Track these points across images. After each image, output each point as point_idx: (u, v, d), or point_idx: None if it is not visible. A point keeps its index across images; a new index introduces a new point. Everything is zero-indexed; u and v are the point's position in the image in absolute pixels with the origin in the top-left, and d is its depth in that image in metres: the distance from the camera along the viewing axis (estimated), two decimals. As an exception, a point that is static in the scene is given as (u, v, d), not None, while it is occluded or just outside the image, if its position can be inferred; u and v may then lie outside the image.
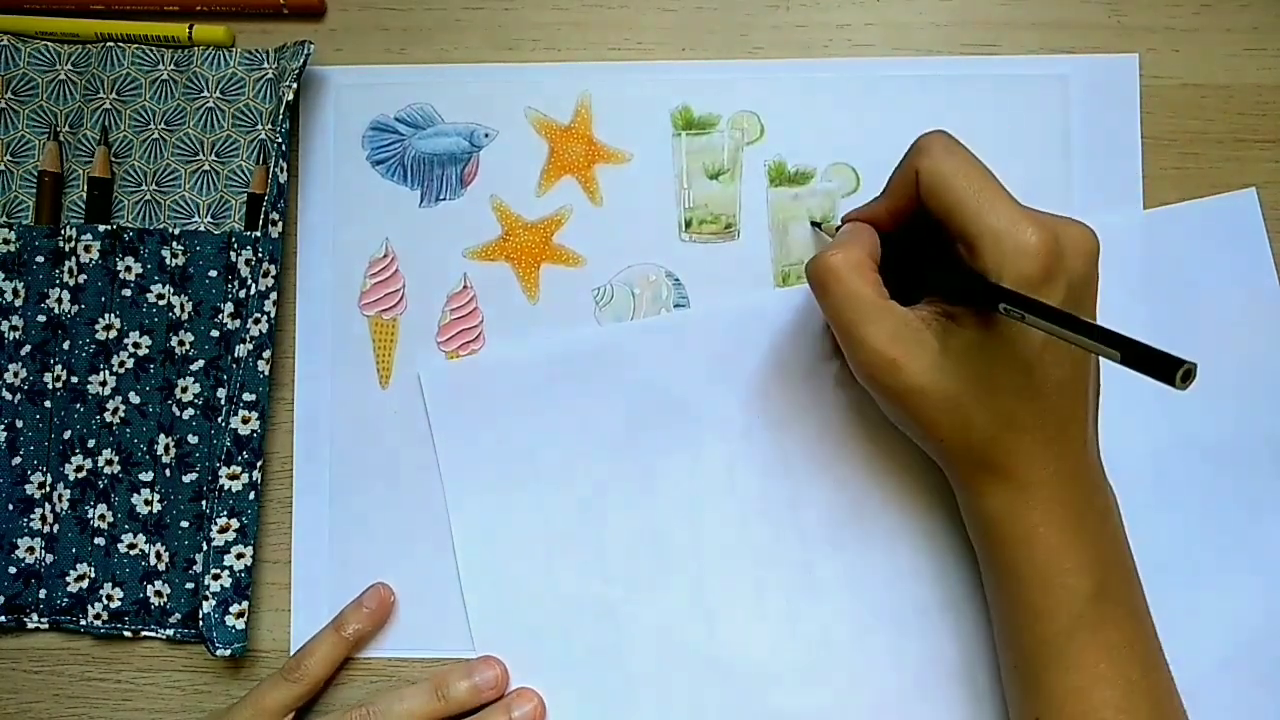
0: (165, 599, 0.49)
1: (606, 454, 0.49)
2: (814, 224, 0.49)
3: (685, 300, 0.49)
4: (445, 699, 0.47)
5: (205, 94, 0.49)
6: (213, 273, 0.49)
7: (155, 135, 0.49)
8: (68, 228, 0.49)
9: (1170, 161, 0.49)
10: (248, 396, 0.48)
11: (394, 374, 0.50)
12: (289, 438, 0.50)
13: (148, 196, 0.49)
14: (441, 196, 0.50)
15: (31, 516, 0.49)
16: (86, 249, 0.49)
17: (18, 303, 0.49)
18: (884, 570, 0.48)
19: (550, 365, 0.49)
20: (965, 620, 0.47)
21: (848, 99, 0.49)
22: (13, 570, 0.49)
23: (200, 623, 0.47)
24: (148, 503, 0.49)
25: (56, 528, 0.49)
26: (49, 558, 0.49)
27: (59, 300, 0.49)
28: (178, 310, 0.49)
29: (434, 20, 0.50)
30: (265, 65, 0.49)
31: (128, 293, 0.49)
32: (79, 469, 0.49)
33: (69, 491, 0.49)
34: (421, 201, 0.50)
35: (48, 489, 0.49)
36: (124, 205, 0.49)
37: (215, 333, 0.49)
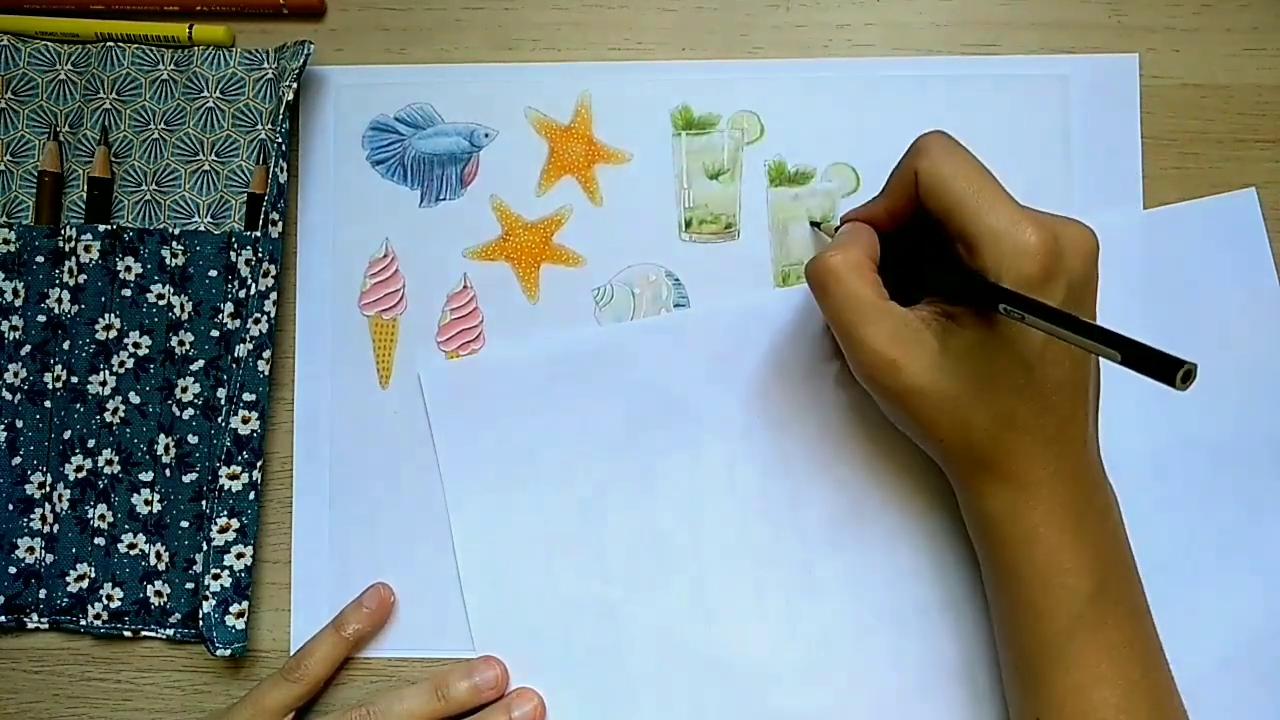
0: (165, 599, 0.49)
1: (606, 454, 0.49)
2: (813, 224, 0.49)
3: (685, 300, 0.49)
4: (445, 699, 0.47)
5: (205, 94, 0.49)
6: (213, 273, 0.49)
7: (155, 135, 0.49)
8: (68, 228, 0.49)
9: (1170, 161, 0.49)
10: (248, 396, 0.48)
11: (394, 374, 0.50)
12: (289, 438, 0.50)
13: (148, 196, 0.49)
14: (441, 196, 0.50)
15: (31, 516, 0.49)
16: (86, 249, 0.49)
17: (18, 303, 0.49)
18: (884, 570, 0.48)
19: (550, 365, 0.49)
20: (965, 620, 0.47)
21: (848, 99, 0.49)
22: (13, 570, 0.49)
23: (200, 623, 0.47)
24: (148, 503, 0.49)
25: (56, 528, 0.49)
26: (49, 558, 0.49)
27: (59, 300, 0.49)
28: (178, 310, 0.49)
29: (434, 20, 0.50)
30: (265, 65, 0.49)
31: (128, 293, 0.49)
32: (79, 469, 0.49)
33: (69, 491, 0.49)
34: (421, 201, 0.50)
35: (48, 489, 0.49)
36: (124, 205, 0.49)
37: (215, 333, 0.49)
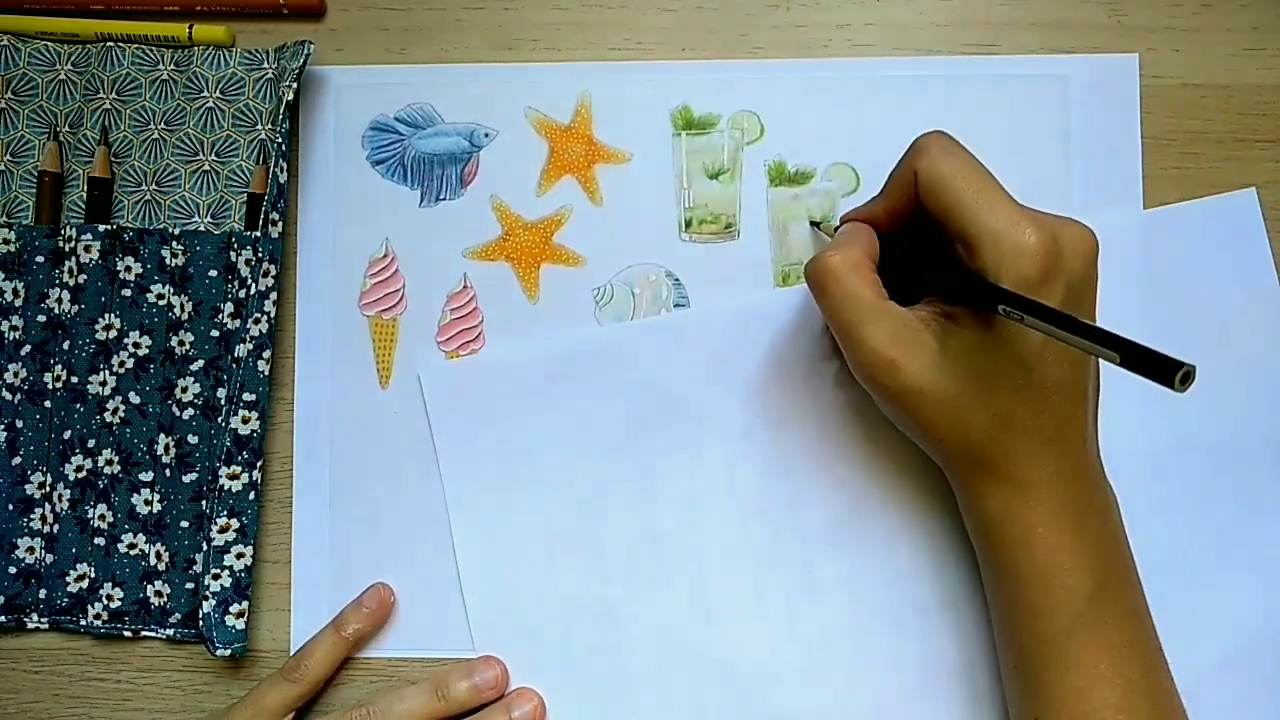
0: (165, 599, 0.49)
1: (606, 454, 0.49)
2: (813, 224, 0.49)
3: (685, 300, 0.49)
4: (445, 699, 0.47)
5: (205, 94, 0.49)
6: (213, 273, 0.49)
7: (155, 135, 0.49)
8: (68, 228, 0.49)
9: (1170, 161, 0.49)
10: (248, 396, 0.48)
11: (394, 374, 0.50)
12: (289, 438, 0.50)
13: (148, 196, 0.49)
14: (441, 196, 0.50)
15: (31, 516, 0.49)
16: (86, 249, 0.49)
17: (18, 303, 0.49)
18: (884, 570, 0.48)
19: (550, 365, 0.49)
20: (965, 620, 0.47)
21: (848, 99, 0.49)
22: (13, 570, 0.49)
23: (200, 623, 0.47)
24: (148, 503, 0.49)
25: (56, 528, 0.49)
26: (49, 558, 0.49)
27: (59, 300, 0.49)
28: (178, 310, 0.49)
29: (434, 20, 0.50)
30: (265, 65, 0.49)
31: (128, 293, 0.49)
32: (79, 469, 0.49)
33: (69, 491, 0.49)
34: (421, 201, 0.50)
35: (48, 489, 0.49)
36: (124, 205, 0.49)
37: (215, 333, 0.49)
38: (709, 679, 0.48)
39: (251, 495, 0.48)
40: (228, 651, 0.47)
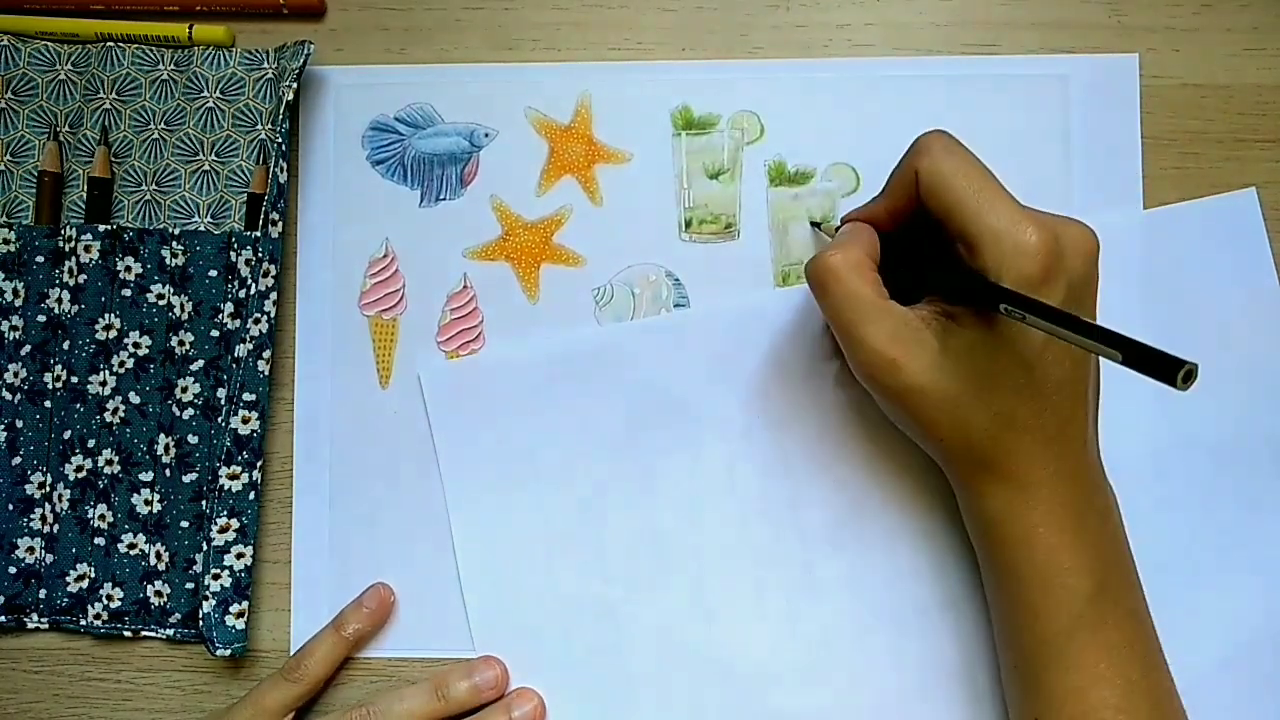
0: (165, 599, 0.49)
1: (606, 454, 0.49)
2: (814, 224, 0.49)
3: (685, 300, 0.49)
4: (445, 699, 0.47)
5: (205, 94, 0.49)
6: (213, 273, 0.49)
7: (155, 135, 0.49)
8: (68, 228, 0.49)
9: (1170, 161, 0.49)
10: (248, 396, 0.48)
11: (394, 374, 0.50)
12: (289, 438, 0.50)
13: (148, 196, 0.49)
14: (441, 196, 0.50)
15: (31, 516, 0.49)
16: (86, 249, 0.49)
17: (18, 303, 0.49)
18: (884, 570, 0.48)
19: (550, 365, 0.49)
20: (965, 620, 0.47)
21: (848, 99, 0.49)
22: (13, 570, 0.49)
23: (200, 623, 0.47)
24: (148, 503, 0.49)
25: (56, 528, 0.49)
26: (49, 558, 0.49)
27: (59, 300, 0.49)
28: (178, 310, 0.49)
29: (434, 20, 0.50)
30: (265, 65, 0.49)
31: (128, 293, 0.49)
32: (79, 469, 0.49)
33: (69, 491, 0.49)
34: (421, 201, 0.50)
35: (48, 489, 0.49)
36: (124, 205, 0.49)
37: (215, 333, 0.49)
38: (709, 679, 0.48)
39: (251, 495, 0.48)
40: (228, 651, 0.47)
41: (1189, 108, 0.49)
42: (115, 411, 0.49)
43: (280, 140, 0.47)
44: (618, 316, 0.49)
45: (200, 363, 0.49)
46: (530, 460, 0.49)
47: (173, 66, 0.49)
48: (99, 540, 0.49)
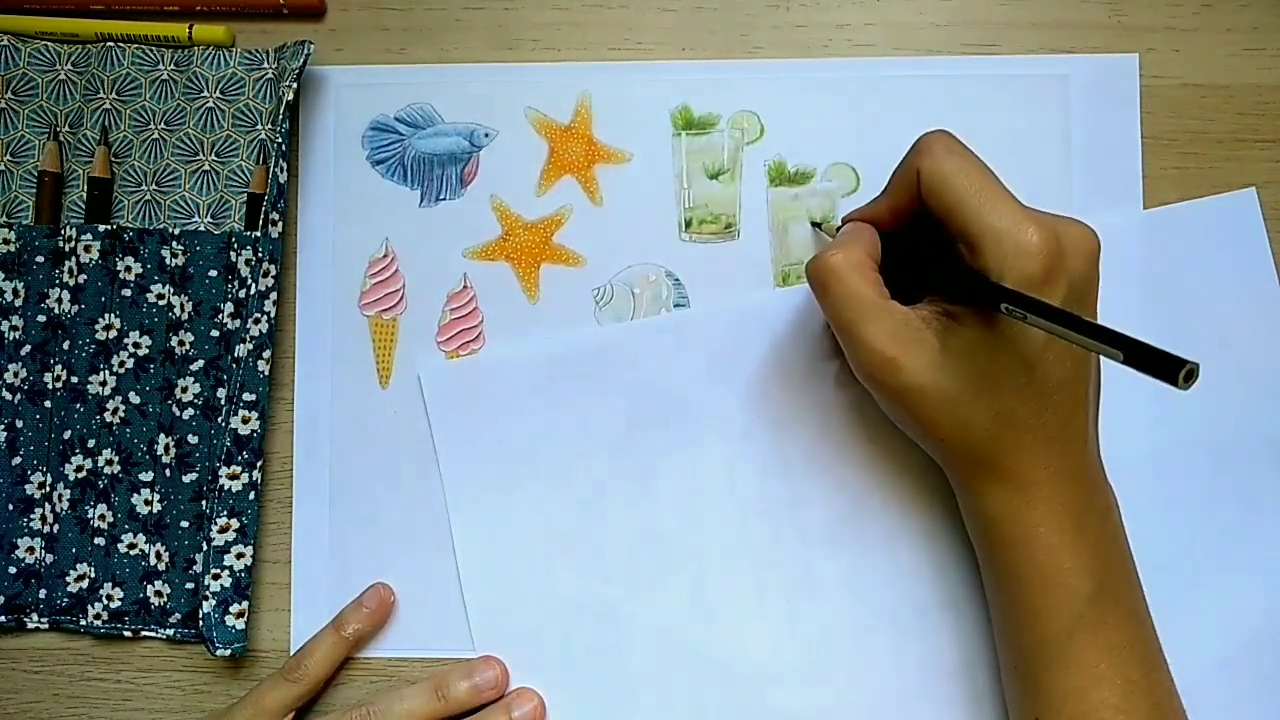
0: (165, 599, 0.49)
1: (606, 454, 0.49)
2: (814, 224, 0.49)
3: (685, 300, 0.49)
4: (445, 699, 0.47)
5: (205, 94, 0.49)
6: (213, 273, 0.49)
7: (155, 135, 0.49)
8: (68, 228, 0.49)
9: (1170, 161, 0.49)
10: (248, 396, 0.48)
11: (394, 374, 0.50)
12: (289, 438, 0.50)
13: (148, 196, 0.49)
14: (441, 196, 0.50)
15: (31, 516, 0.49)
16: (86, 249, 0.49)
17: (18, 303, 0.49)
18: (884, 570, 0.48)
19: (550, 365, 0.49)
20: (965, 620, 0.47)
21: (848, 99, 0.49)
22: (13, 570, 0.49)
23: (200, 623, 0.47)
24: (148, 503, 0.49)
25: (56, 528, 0.49)
26: (49, 558, 0.49)
27: (59, 300, 0.49)
28: (178, 310, 0.49)
29: (434, 20, 0.50)
30: (265, 65, 0.49)
31: (128, 293, 0.49)
32: (79, 469, 0.49)
33: (69, 491, 0.49)
34: (421, 201, 0.50)
35: (48, 489, 0.49)
36: (124, 205, 0.49)
37: (215, 333, 0.49)
38: (709, 679, 0.48)
39: (251, 495, 0.48)
40: (228, 651, 0.47)
41: (1189, 108, 0.49)
42: (115, 411, 0.49)
43: (280, 140, 0.47)
44: (618, 316, 0.49)
45: (200, 363, 0.49)
46: (530, 460, 0.49)
47: (173, 66, 0.49)
48: (99, 540, 0.49)
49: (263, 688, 0.47)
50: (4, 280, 0.49)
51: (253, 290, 0.47)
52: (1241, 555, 0.47)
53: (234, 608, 0.48)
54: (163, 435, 0.49)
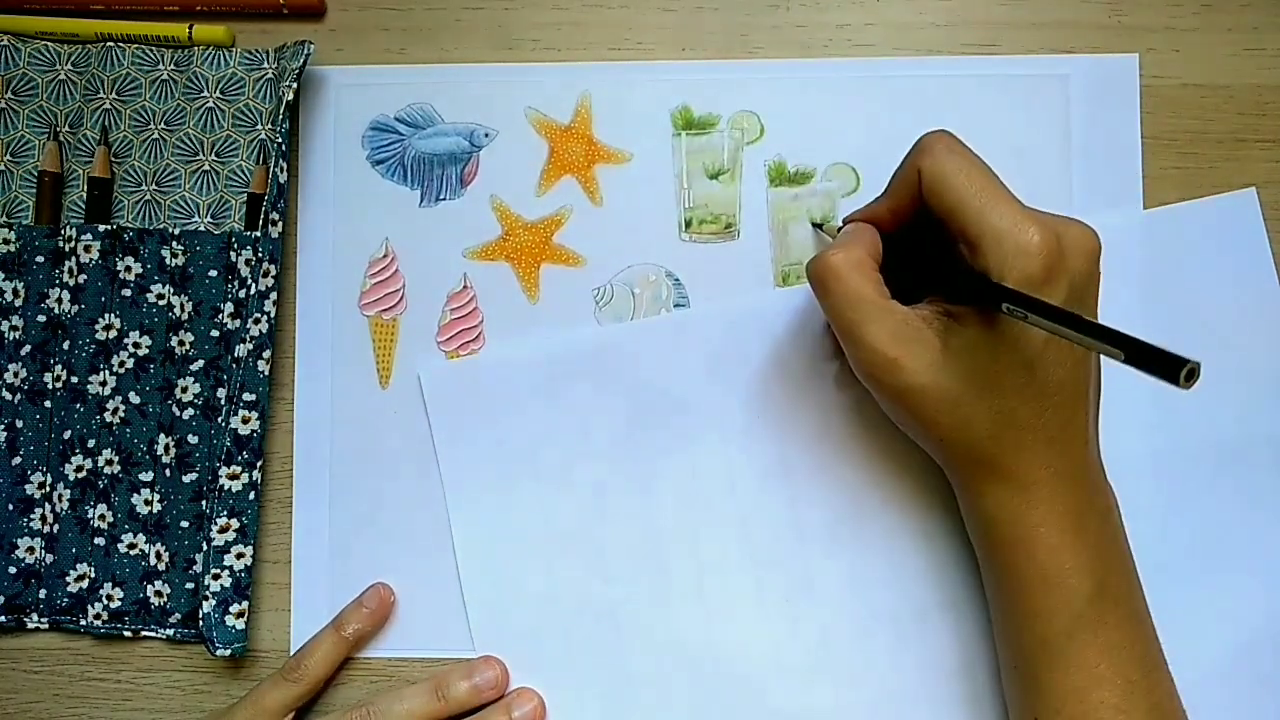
0: (165, 599, 0.49)
1: (606, 454, 0.49)
2: (815, 225, 0.49)
3: (685, 300, 0.49)
4: (445, 699, 0.47)
5: (205, 94, 0.49)
6: (213, 273, 0.49)
7: (155, 135, 0.49)
8: (68, 228, 0.49)
9: (1170, 161, 0.49)
10: (248, 396, 0.48)
11: (394, 374, 0.50)
12: (289, 438, 0.50)
13: (148, 196, 0.49)
14: (441, 196, 0.50)
15: (31, 516, 0.49)
16: (86, 249, 0.49)
17: (18, 303, 0.49)
18: (884, 570, 0.48)
19: (550, 365, 0.49)
20: (965, 620, 0.47)
21: (848, 99, 0.49)
22: (13, 570, 0.49)
23: (200, 623, 0.47)
24: (148, 503, 0.49)
25: (56, 528, 0.49)
26: (49, 558, 0.49)
27: (59, 300, 0.49)
28: (178, 310, 0.49)
29: (434, 20, 0.50)
30: (265, 65, 0.49)
31: (128, 293, 0.49)
32: (79, 469, 0.49)
33: (69, 491, 0.49)
34: (421, 201, 0.50)
35: (48, 489, 0.49)
36: (124, 205, 0.49)
37: (215, 333, 0.49)
38: (709, 679, 0.48)
39: (251, 495, 0.48)
40: (228, 651, 0.47)
41: (1189, 108, 0.49)
42: (115, 411, 0.49)
43: (280, 140, 0.47)
44: (618, 316, 0.49)
45: (200, 363, 0.49)
46: (530, 460, 0.49)
47: (173, 66, 0.49)
48: (99, 540, 0.49)
49: (263, 688, 0.47)
50: (4, 280, 0.49)
51: (253, 290, 0.47)
52: (1241, 555, 0.47)
53: (234, 608, 0.48)
54: (163, 435, 0.49)
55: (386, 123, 0.50)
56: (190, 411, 0.49)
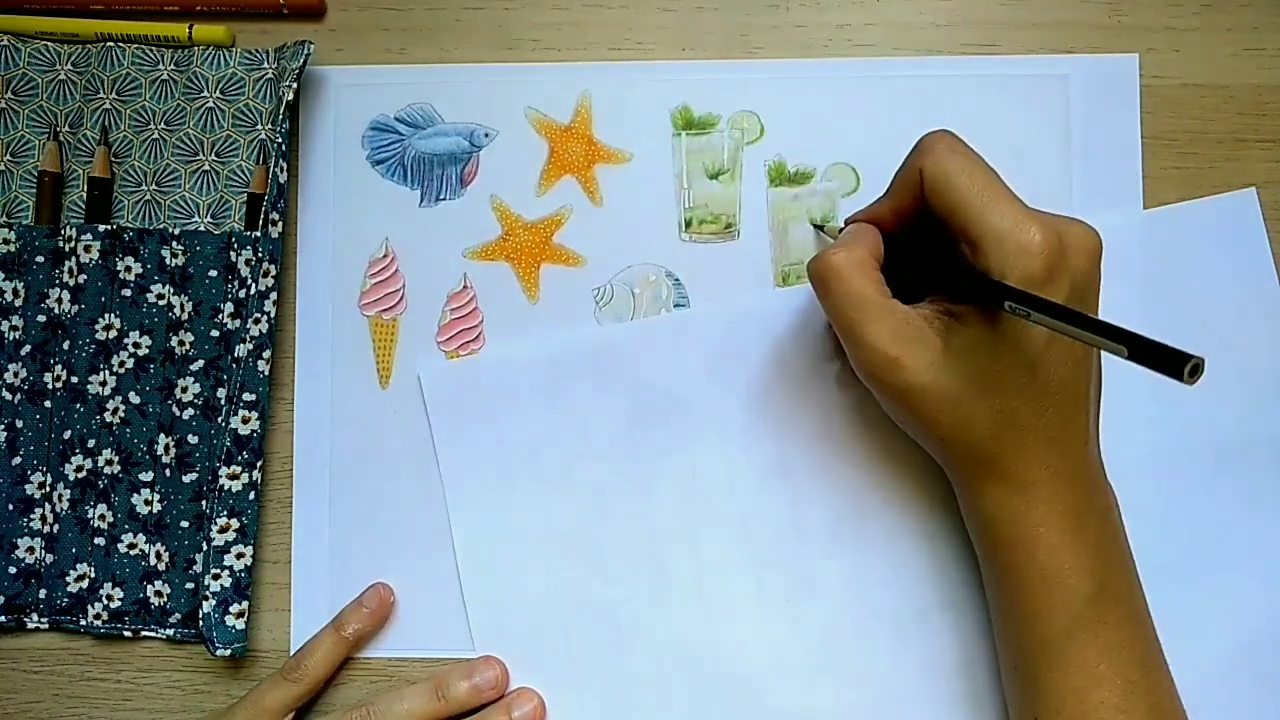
0: (165, 599, 0.49)
1: (606, 454, 0.49)
2: (816, 226, 0.49)
3: (685, 300, 0.49)
4: (445, 699, 0.47)
5: (205, 94, 0.49)
6: (213, 273, 0.49)
7: (155, 135, 0.49)
8: (68, 228, 0.49)
9: (1170, 161, 0.49)
10: (248, 396, 0.48)
11: (394, 374, 0.50)
12: (289, 438, 0.50)
13: (148, 196, 0.49)
14: (441, 196, 0.50)
15: (31, 516, 0.49)
16: (86, 249, 0.49)
17: (18, 303, 0.49)
18: (884, 570, 0.48)
19: (550, 365, 0.49)
20: (965, 620, 0.47)
21: (848, 99, 0.49)
22: (13, 570, 0.49)
23: (200, 623, 0.47)
24: (148, 503, 0.49)
25: (56, 528, 0.49)
26: (49, 558, 0.49)
27: (59, 300, 0.49)
28: (178, 310, 0.49)
29: (434, 20, 0.50)
30: (265, 65, 0.49)
31: (128, 293, 0.49)
32: (79, 469, 0.49)
33: (69, 491, 0.49)
34: (421, 201, 0.50)
35: (48, 489, 0.49)
36: (124, 205, 0.49)
37: (215, 333, 0.49)
38: (709, 679, 0.48)
39: (251, 495, 0.48)
40: (228, 651, 0.47)
41: (1189, 108, 0.49)
42: (115, 411, 0.49)
43: (280, 140, 0.47)
44: (618, 316, 0.49)
45: (200, 363, 0.49)
46: (530, 460, 0.49)
47: (173, 66, 0.49)
48: (99, 540, 0.49)
49: (263, 688, 0.47)
50: (4, 280, 0.49)
51: (253, 290, 0.47)
52: (1241, 555, 0.47)
53: (234, 608, 0.48)
54: (163, 435, 0.49)
55: (386, 123, 0.50)
56: (190, 411, 0.49)
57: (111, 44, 0.49)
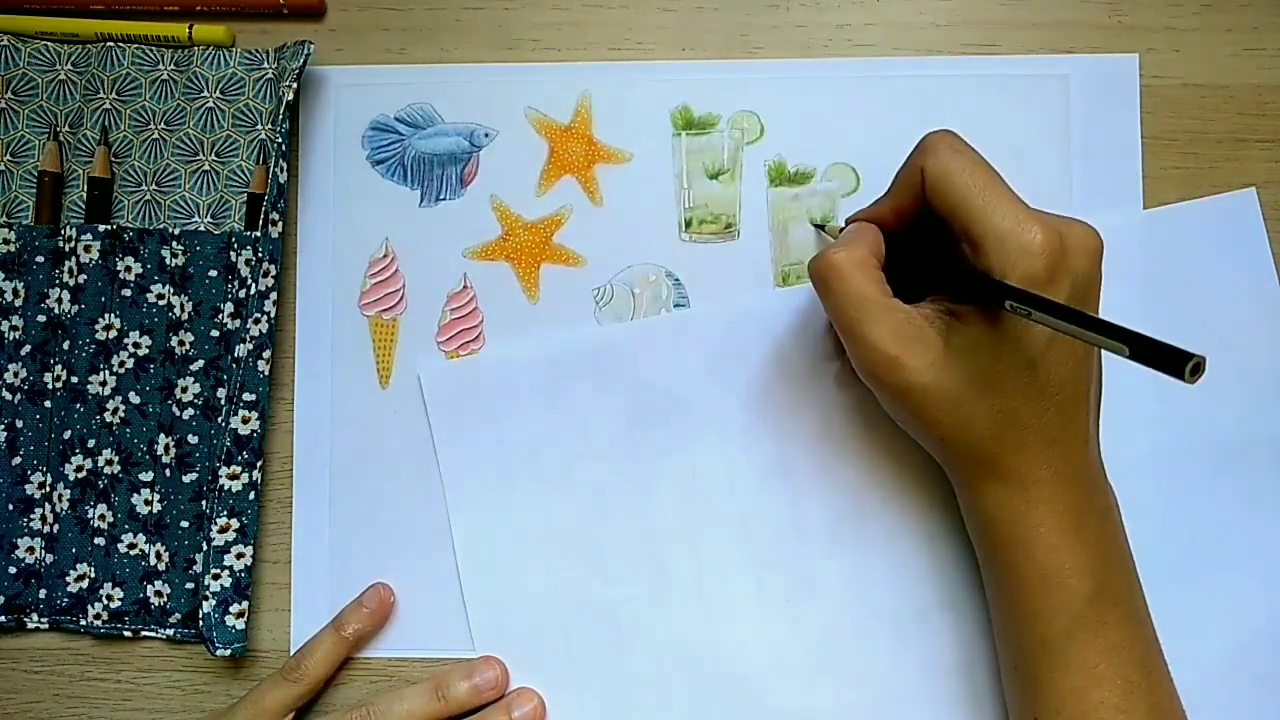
0: (165, 599, 0.49)
1: (606, 454, 0.49)
2: (817, 226, 0.49)
3: (685, 300, 0.49)
4: (445, 699, 0.47)
5: (205, 94, 0.49)
6: (213, 273, 0.49)
7: (155, 135, 0.49)
8: (68, 228, 0.49)
9: (1170, 161, 0.49)
10: (248, 396, 0.48)
11: (394, 374, 0.50)
12: (289, 438, 0.50)
13: (148, 196, 0.49)
14: (441, 196, 0.50)
15: (31, 516, 0.49)
16: (86, 249, 0.49)
17: (18, 303, 0.49)
18: (884, 570, 0.48)
19: (550, 365, 0.49)
20: (965, 620, 0.47)
21: (848, 99, 0.49)
22: (13, 570, 0.49)
23: (200, 623, 0.47)
24: (148, 503, 0.49)
25: (56, 528, 0.49)
26: (49, 558, 0.49)
27: (59, 300, 0.49)
28: (178, 310, 0.49)
29: (434, 20, 0.50)
30: (265, 65, 0.49)
31: (128, 293, 0.49)
32: (79, 469, 0.49)
33: (69, 491, 0.49)
34: (421, 201, 0.50)
35: (48, 489, 0.49)
36: (124, 205, 0.49)
37: (215, 333, 0.49)
38: (709, 679, 0.48)
39: (251, 495, 0.48)
40: (228, 651, 0.47)
41: (1189, 108, 0.49)
42: (115, 411, 0.49)
43: (280, 140, 0.47)
44: (618, 316, 0.49)
45: (200, 363, 0.49)
46: (530, 460, 0.49)
47: (173, 66, 0.49)
48: (99, 540, 0.49)
49: (263, 688, 0.47)
50: (4, 280, 0.49)
51: (253, 290, 0.47)
52: (1241, 555, 0.47)
53: (234, 608, 0.48)
54: (163, 435, 0.49)
55: (386, 123, 0.50)
56: (190, 411, 0.49)
57: (111, 44, 0.49)
